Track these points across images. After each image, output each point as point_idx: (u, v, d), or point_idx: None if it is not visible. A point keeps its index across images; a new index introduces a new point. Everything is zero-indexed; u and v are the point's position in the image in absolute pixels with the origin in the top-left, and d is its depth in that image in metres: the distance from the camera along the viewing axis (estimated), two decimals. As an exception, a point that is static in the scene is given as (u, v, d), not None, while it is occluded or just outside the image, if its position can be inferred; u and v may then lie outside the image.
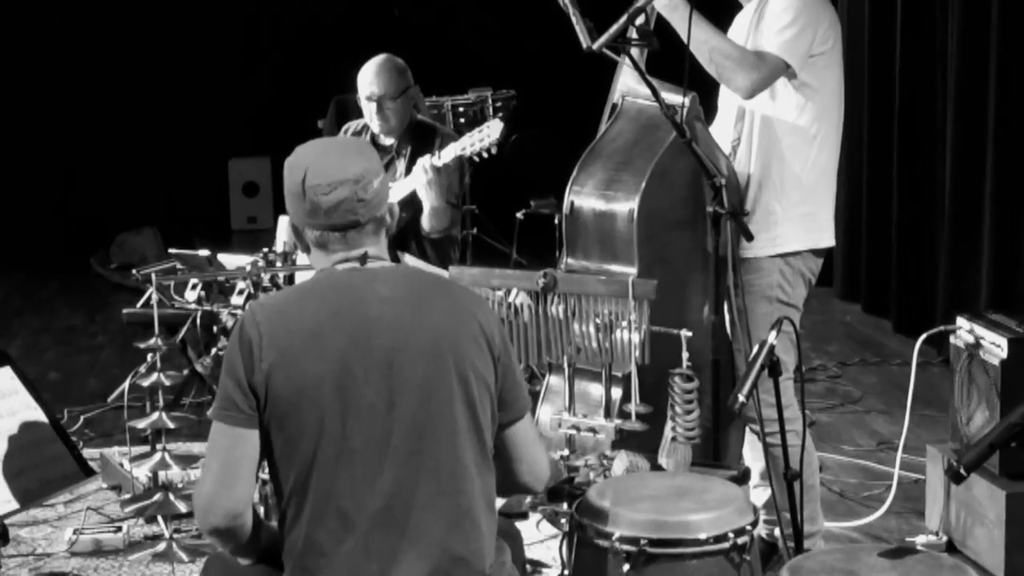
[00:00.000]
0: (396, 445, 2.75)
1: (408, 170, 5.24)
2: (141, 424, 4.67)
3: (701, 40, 4.03)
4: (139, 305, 5.53)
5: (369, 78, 5.29)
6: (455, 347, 2.82)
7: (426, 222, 5.21)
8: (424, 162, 5.10)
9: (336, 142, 2.99)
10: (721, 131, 4.29)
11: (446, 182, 5.22)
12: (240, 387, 2.76)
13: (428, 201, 5.15)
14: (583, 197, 4.17)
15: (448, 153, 5.08)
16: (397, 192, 5.22)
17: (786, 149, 4.15)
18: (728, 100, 4.27)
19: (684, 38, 4.01)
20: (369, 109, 5.31)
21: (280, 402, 2.74)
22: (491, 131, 4.98)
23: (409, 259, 5.16)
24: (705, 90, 4.24)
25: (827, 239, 4.27)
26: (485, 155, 5.02)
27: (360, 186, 2.83)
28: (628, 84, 4.20)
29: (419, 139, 5.37)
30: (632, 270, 4.03)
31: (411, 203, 5.26)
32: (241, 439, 2.77)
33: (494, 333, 2.89)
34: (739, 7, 4.32)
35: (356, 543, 2.74)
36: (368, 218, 2.86)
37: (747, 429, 4.33)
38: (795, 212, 4.18)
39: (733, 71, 4.02)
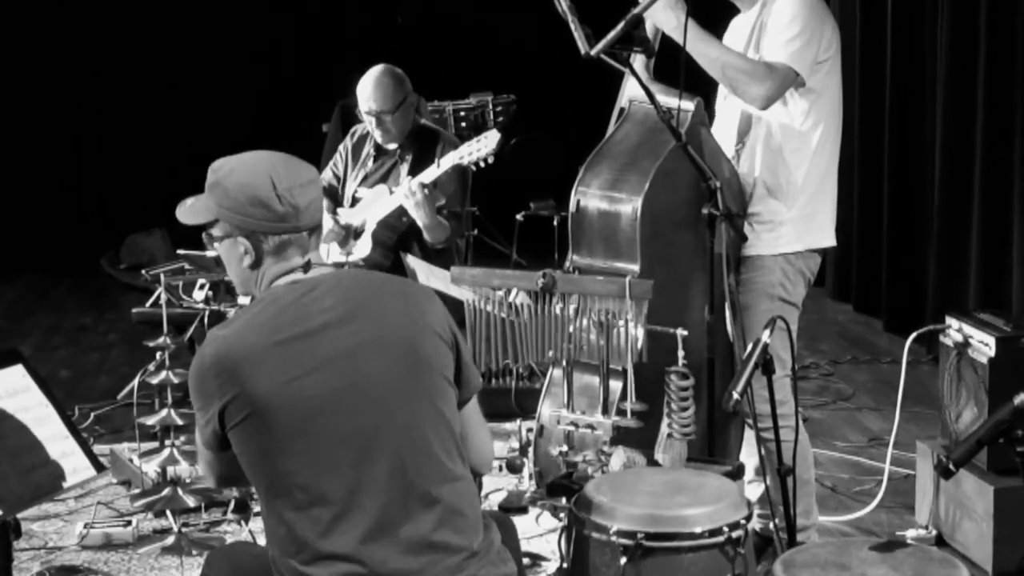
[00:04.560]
0: (359, 445, 2.76)
1: (412, 174, 5.27)
2: (150, 421, 4.73)
3: (712, 57, 4.08)
4: (148, 304, 5.61)
5: (366, 94, 5.31)
6: (409, 341, 2.83)
7: (426, 236, 5.23)
8: (412, 184, 5.10)
9: (268, 153, 3.01)
10: (724, 137, 4.33)
11: (449, 191, 5.24)
12: (202, 422, 2.82)
13: (419, 220, 5.15)
14: (589, 197, 4.20)
15: (447, 162, 5.10)
16: (393, 202, 5.26)
17: (792, 152, 4.20)
18: (731, 107, 4.32)
19: (693, 56, 4.06)
20: (369, 122, 5.38)
21: (239, 429, 2.77)
22: (488, 141, 4.99)
23: (411, 260, 5.20)
24: (704, 91, 4.30)
25: (827, 239, 4.33)
26: (482, 164, 5.03)
27: (319, 187, 2.93)
28: (635, 89, 4.21)
29: (422, 144, 5.39)
30: (635, 268, 4.07)
31: None
32: (214, 456, 2.88)
33: (445, 323, 2.91)
34: (735, 9, 4.36)
35: (336, 542, 2.75)
36: (321, 220, 2.94)
37: (745, 425, 4.38)
38: (799, 212, 4.23)
39: (747, 83, 4.06)
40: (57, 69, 9.84)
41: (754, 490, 4.42)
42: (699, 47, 4.07)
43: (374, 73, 5.38)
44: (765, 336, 3.57)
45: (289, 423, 2.74)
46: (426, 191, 5.10)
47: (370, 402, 2.79)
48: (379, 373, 2.80)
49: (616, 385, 4.00)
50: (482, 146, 5.01)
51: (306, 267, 2.89)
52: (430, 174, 5.14)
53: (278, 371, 2.75)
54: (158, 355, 4.77)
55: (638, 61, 4.16)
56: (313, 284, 2.86)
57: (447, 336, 2.90)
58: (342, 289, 2.87)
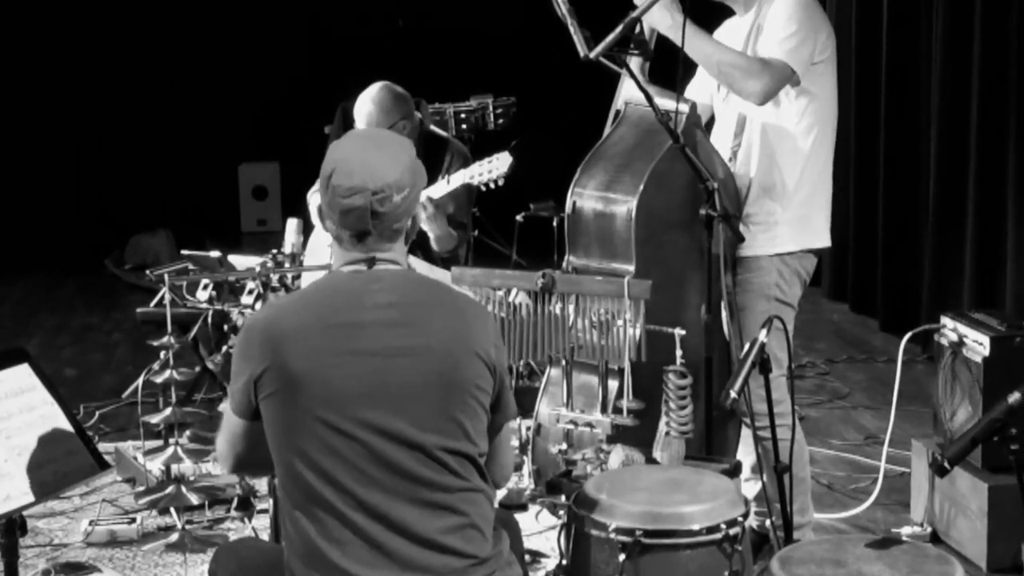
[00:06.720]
0: (376, 442, 2.80)
1: None
2: (154, 419, 4.74)
3: (708, 53, 4.13)
4: (153, 304, 5.62)
5: (367, 118, 5.27)
6: (449, 357, 2.85)
7: (434, 245, 5.27)
8: (423, 198, 5.07)
9: (380, 142, 2.91)
10: (721, 138, 4.36)
11: (452, 208, 5.26)
12: (239, 384, 2.86)
13: (431, 231, 5.19)
14: (585, 198, 4.23)
15: (456, 180, 5.11)
16: None
17: (787, 153, 4.23)
18: (728, 109, 4.35)
19: (690, 55, 4.10)
20: None
21: (270, 400, 2.82)
22: (499, 163, 4.98)
23: (412, 260, 5.23)
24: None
25: (823, 240, 4.35)
26: (492, 186, 5.02)
27: (377, 199, 2.84)
28: (631, 91, 4.25)
29: (429, 152, 5.38)
30: (630, 268, 4.09)
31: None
32: (241, 426, 2.92)
33: (491, 345, 2.91)
34: (728, 12, 4.39)
35: (347, 540, 2.80)
36: (381, 229, 2.87)
37: (742, 424, 4.42)
38: (794, 214, 4.26)
39: (743, 80, 4.10)
40: (57, 69, 9.86)
41: (751, 488, 4.44)
42: (695, 43, 4.11)
43: (372, 99, 5.34)
44: (762, 335, 3.60)
45: (312, 404, 2.79)
46: (436, 204, 5.13)
47: (394, 404, 2.82)
48: (410, 380, 2.83)
49: (615, 384, 4.02)
50: (493, 167, 5.00)
51: (370, 262, 2.90)
52: (440, 189, 5.16)
53: (317, 352, 2.80)
54: (162, 354, 4.77)
55: (634, 63, 4.18)
56: (374, 277, 2.89)
57: (490, 361, 2.91)
58: (401, 291, 2.90)
